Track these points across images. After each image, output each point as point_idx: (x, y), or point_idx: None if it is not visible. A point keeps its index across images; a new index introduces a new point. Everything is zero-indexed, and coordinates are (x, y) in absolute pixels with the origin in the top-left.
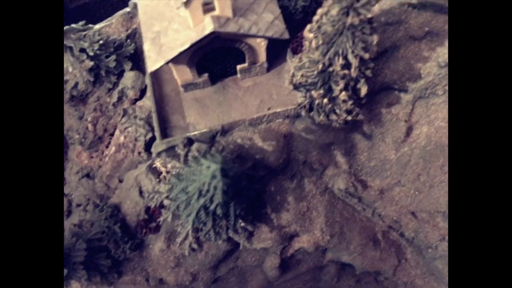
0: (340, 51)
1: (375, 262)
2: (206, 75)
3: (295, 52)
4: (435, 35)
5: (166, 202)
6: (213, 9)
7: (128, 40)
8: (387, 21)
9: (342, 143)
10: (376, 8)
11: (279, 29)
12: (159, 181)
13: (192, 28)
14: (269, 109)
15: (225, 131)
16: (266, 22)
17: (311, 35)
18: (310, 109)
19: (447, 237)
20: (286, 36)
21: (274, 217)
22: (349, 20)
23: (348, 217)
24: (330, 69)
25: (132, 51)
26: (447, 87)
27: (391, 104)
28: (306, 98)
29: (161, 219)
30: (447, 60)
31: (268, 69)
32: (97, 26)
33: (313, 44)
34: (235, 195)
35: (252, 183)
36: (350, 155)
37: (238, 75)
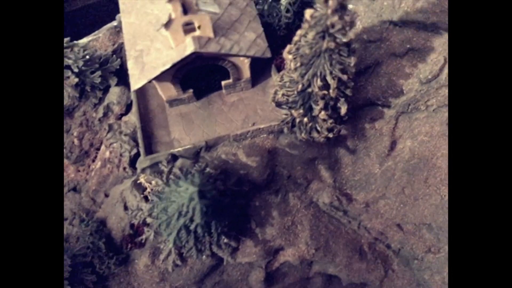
0: (318, 73)
1: (361, 273)
2: (190, 91)
3: (279, 68)
4: (416, 52)
5: (148, 220)
6: (194, 29)
7: (114, 56)
8: (369, 39)
9: (326, 158)
10: (358, 26)
11: (261, 48)
12: (144, 197)
13: (173, 48)
14: (253, 124)
15: (209, 146)
16: (248, 41)
17: (290, 57)
18: (293, 126)
19: (432, 249)
20: (268, 55)
21: (259, 231)
22: (324, 44)
23: (334, 230)
24: (309, 89)
25: (118, 67)
26: (429, 103)
27: (374, 119)
28: (288, 116)
29: (144, 237)
30: (429, 77)
31: (253, 85)
32: (84, 40)
33: (292, 65)
34: (216, 214)
35: (236, 199)
36: (334, 170)
37: (223, 91)
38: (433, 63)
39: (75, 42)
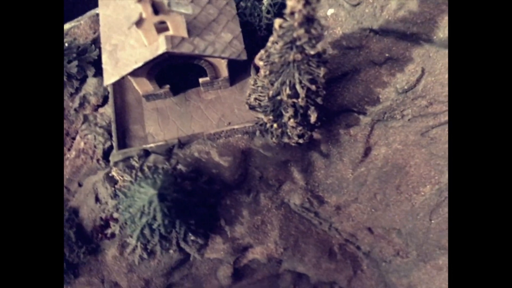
0: (288, 81)
1: (330, 273)
2: (167, 86)
3: (258, 69)
4: (395, 61)
5: (115, 214)
6: (167, 28)
7: (93, 45)
8: (349, 45)
9: (299, 160)
10: (338, 32)
11: (237, 50)
12: (115, 190)
13: (147, 46)
14: (229, 123)
15: (182, 144)
16: (224, 42)
17: (261, 63)
18: (265, 129)
19: (401, 253)
20: (244, 57)
21: (228, 229)
22: (291, 56)
23: (304, 230)
24: (279, 97)
25: (96, 57)
26: (404, 112)
27: (349, 126)
28: (261, 119)
29: (109, 231)
30: (405, 87)
31: (232, 83)
32: (66, 26)
33: (262, 72)
34: (181, 214)
35: (206, 198)
36: (307, 172)
37: (201, 88)
38: (410, 73)
39: None
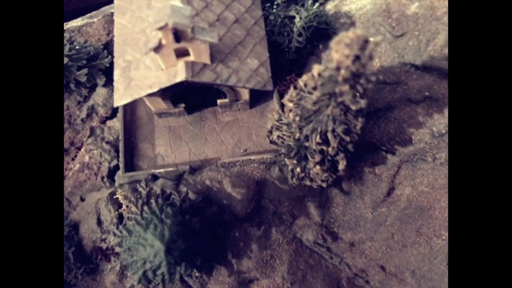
0: (319, 129)
1: None
2: (182, 105)
3: (282, 95)
4: (434, 101)
5: (117, 249)
6: (187, 53)
7: (105, 51)
8: (385, 80)
9: (317, 196)
10: (376, 64)
11: (262, 80)
12: (118, 214)
13: (163, 69)
14: (245, 150)
15: (194, 169)
16: (249, 70)
17: (290, 105)
18: (284, 165)
19: None
20: (270, 87)
21: (235, 262)
22: (328, 111)
23: (313, 264)
24: (306, 143)
25: (108, 65)
26: (437, 155)
27: (375, 164)
28: (280, 157)
29: (109, 266)
30: (443, 131)
31: (252, 106)
32: (76, 23)
33: (291, 116)
34: (188, 257)
35: (215, 229)
36: (324, 208)
37: (218, 108)
38: None
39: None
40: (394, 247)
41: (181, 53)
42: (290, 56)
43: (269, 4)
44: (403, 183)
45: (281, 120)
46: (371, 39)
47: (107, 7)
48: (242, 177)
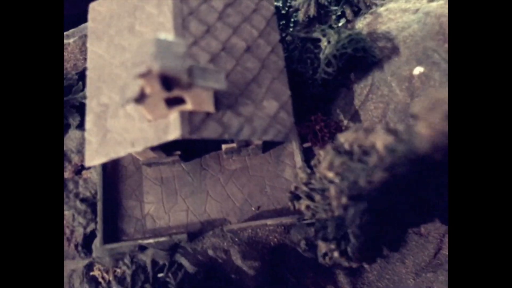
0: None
1: None
2: (177, 153)
3: (304, 139)
4: None
5: None
6: (183, 100)
7: (80, 82)
8: None
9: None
10: None
11: (283, 128)
12: None
13: (150, 120)
14: (258, 208)
15: (193, 234)
16: (266, 115)
17: (330, 175)
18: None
19: None
20: (293, 138)
21: None
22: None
23: None
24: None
25: (83, 100)
26: None
27: (421, 223)
28: (305, 233)
29: None
30: None
31: (265, 149)
32: None
33: (332, 191)
34: None
35: None
36: (356, 275)
37: (223, 153)
38: None
39: None
40: None
41: (174, 101)
42: (314, 89)
43: (284, 22)
44: None
45: (311, 184)
46: (419, 69)
47: (86, 24)
48: (254, 245)
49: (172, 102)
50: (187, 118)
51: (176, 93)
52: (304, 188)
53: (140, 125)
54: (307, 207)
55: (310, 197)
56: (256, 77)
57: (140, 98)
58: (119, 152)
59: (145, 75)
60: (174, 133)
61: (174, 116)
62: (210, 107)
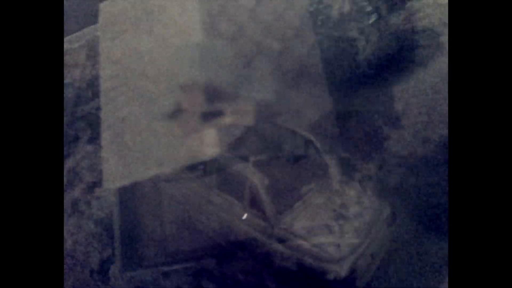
0: None
1: None
2: (201, 167)
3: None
4: None
5: None
6: (219, 113)
7: (90, 91)
8: None
9: None
10: None
11: (325, 139)
12: None
13: (179, 136)
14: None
15: (221, 257)
16: (307, 126)
17: None
18: None
19: None
20: (338, 150)
21: None
22: None
23: None
24: None
25: (94, 111)
26: None
27: None
28: None
29: None
30: None
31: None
32: None
33: None
34: None
35: None
36: None
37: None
38: None
39: None
40: None
41: (209, 117)
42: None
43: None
44: None
45: None
46: None
47: (92, 27)
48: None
49: (208, 115)
50: (226, 133)
51: (217, 106)
52: None
53: (167, 141)
54: None
55: None
56: (295, 83)
57: (176, 114)
58: (144, 174)
59: (187, 88)
60: (211, 150)
61: (210, 131)
62: (251, 120)
